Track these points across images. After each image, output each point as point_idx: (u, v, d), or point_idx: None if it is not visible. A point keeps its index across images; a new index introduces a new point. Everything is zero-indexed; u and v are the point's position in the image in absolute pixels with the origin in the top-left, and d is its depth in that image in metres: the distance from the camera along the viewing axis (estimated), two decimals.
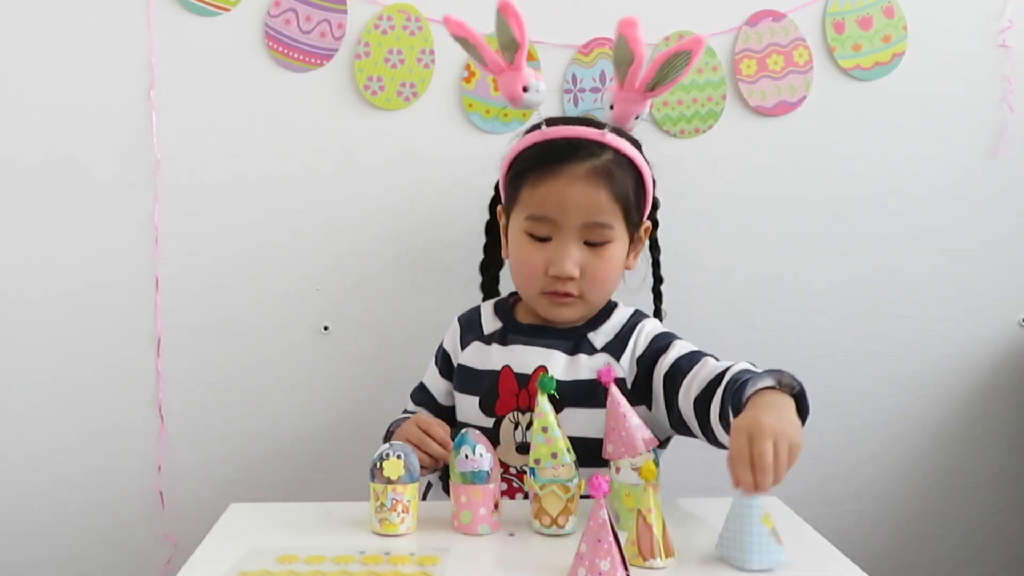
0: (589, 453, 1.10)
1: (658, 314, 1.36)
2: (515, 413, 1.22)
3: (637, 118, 1.22)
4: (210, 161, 1.51)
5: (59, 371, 1.53)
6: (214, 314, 1.52)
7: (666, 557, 0.95)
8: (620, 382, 1.17)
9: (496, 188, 1.33)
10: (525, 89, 1.20)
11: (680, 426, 1.16)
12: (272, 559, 0.99)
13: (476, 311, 1.33)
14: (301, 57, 1.49)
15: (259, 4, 1.48)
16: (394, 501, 1.05)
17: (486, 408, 1.24)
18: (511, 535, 1.06)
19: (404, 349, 1.51)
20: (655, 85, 1.18)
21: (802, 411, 0.97)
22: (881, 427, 1.57)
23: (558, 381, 1.10)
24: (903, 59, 1.50)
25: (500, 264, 1.39)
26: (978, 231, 1.53)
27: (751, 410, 0.95)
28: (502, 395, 1.22)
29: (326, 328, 1.53)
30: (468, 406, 1.26)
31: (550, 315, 1.24)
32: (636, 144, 1.25)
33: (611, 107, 1.21)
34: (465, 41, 1.21)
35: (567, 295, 1.21)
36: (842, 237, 1.53)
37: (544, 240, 1.21)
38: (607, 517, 0.88)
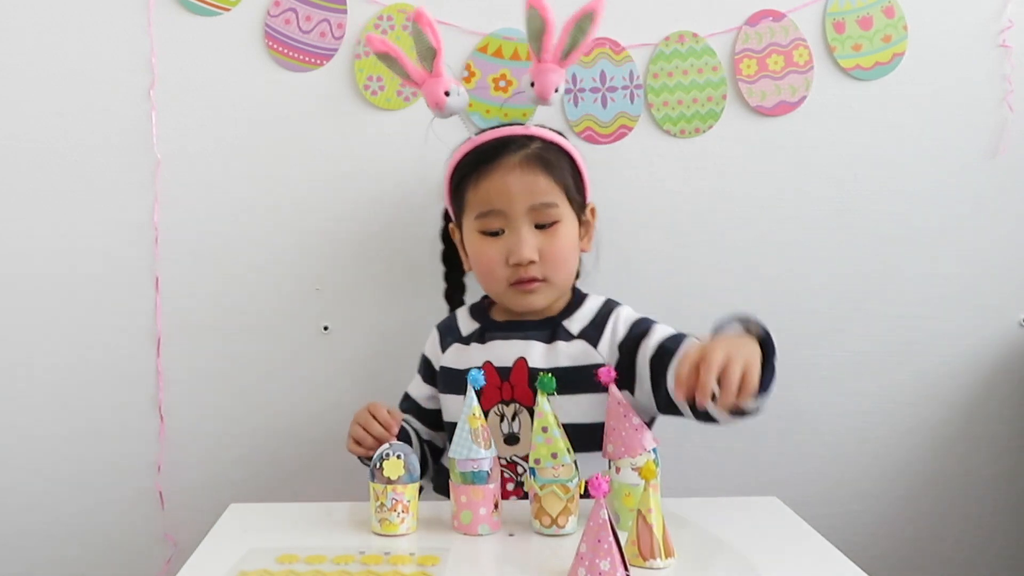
0: (574, 439, 1.11)
1: None
2: (499, 406, 1.25)
3: (556, 91, 1.25)
4: (210, 161, 1.51)
5: (59, 371, 1.53)
6: (214, 314, 1.52)
7: (666, 557, 0.95)
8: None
9: (445, 212, 1.39)
10: (447, 94, 1.24)
11: (669, 407, 1.18)
12: (272, 559, 0.99)
13: (453, 317, 1.38)
14: (301, 57, 1.49)
15: (259, 4, 1.48)
16: (394, 501, 1.06)
17: None
18: (511, 535, 1.06)
19: (404, 349, 1.51)
20: (568, 51, 1.23)
21: (768, 355, 1.01)
22: (881, 427, 1.57)
23: (538, 369, 1.16)
24: (903, 59, 1.49)
25: (462, 270, 1.42)
26: (978, 231, 1.53)
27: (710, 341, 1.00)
28: (486, 390, 1.24)
29: (326, 328, 1.53)
30: (454, 405, 1.28)
31: (521, 305, 1.28)
32: (561, 135, 1.33)
33: (532, 84, 1.25)
34: (387, 56, 1.26)
35: (532, 280, 1.25)
36: (842, 237, 1.53)
37: (497, 234, 1.26)
38: (607, 517, 0.87)
